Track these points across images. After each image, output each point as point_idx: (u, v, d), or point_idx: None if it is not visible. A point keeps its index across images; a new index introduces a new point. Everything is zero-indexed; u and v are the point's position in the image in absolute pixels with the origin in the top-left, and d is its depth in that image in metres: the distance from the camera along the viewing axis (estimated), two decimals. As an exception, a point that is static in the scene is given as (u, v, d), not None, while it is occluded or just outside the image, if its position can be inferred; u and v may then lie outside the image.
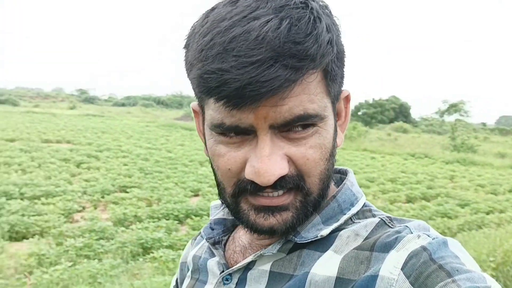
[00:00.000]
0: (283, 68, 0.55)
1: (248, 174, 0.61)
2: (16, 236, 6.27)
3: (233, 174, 0.64)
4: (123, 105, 77.01)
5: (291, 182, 0.63)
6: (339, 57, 0.64)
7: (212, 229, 0.82)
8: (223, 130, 0.61)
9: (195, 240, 0.91)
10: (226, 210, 0.82)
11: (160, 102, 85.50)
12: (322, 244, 0.67)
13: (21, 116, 32.26)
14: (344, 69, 0.68)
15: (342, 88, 0.70)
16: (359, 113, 55.29)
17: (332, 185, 0.74)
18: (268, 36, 0.55)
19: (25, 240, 6.03)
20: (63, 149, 15.24)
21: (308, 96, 0.59)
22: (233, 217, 0.80)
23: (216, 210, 0.84)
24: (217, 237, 0.81)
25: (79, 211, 7.76)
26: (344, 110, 0.73)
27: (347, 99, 0.73)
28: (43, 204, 7.71)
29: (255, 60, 0.54)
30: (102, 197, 8.65)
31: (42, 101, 68.87)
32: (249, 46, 0.55)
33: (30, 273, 4.94)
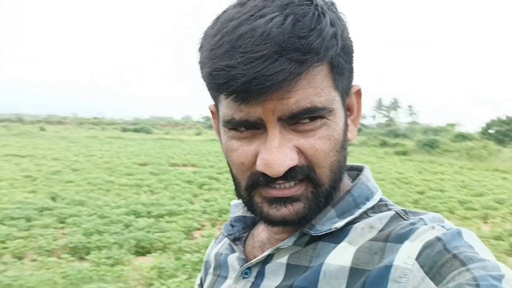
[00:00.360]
0: (288, 62, 0.57)
1: (259, 166, 0.63)
2: (142, 250, 6.78)
3: (246, 168, 0.66)
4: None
5: (302, 173, 0.64)
6: (346, 51, 0.66)
7: (233, 226, 0.84)
8: (234, 125, 0.64)
9: (217, 239, 0.94)
10: (246, 207, 0.86)
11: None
12: (337, 236, 0.69)
13: (153, 143, 34.99)
14: (353, 64, 0.69)
15: (353, 83, 0.71)
16: (490, 130, 51.16)
17: (348, 181, 0.76)
18: (272, 32, 0.57)
19: (148, 255, 6.52)
20: (188, 172, 16.19)
21: (315, 89, 0.61)
22: (252, 215, 0.82)
23: (236, 208, 0.87)
24: (237, 234, 0.83)
25: (198, 229, 8.18)
26: (356, 105, 0.74)
27: (359, 94, 0.74)
28: (166, 222, 8.26)
29: (261, 55, 0.57)
30: (220, 216, 9.01)
31: (172, 128, 74.07)
32: (255, 42, 0.58)
33: (150, 284, 5.33)
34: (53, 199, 10.12)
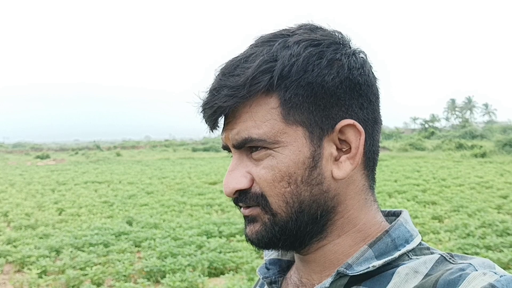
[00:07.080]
0: (221, 96, 0.66)
1: None
2: (215, 272, 6.83)
3: None
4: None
5: (253, 199, 0.69)
6: (304, 86, 0.65)
7: (268, 269, 0.82)
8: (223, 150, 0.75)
9: None
10: (281, 251, 0.83)
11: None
12: (379, 282, 0.65)
13: (222, 161, 35.54)
14: (331, 100, 0.67)
15: (341, 119, 0.68)
16: None
17: (385, 223, 0.73)
18: (223, 69, 0.68)
19: (221, 276, 6.53)
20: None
21: (254, 122, 0.66)
22: (287, 258, 0.82)
23: (270, 251, 0.84)
24: (273, 277, 0.80)
25: (270, 247, 8.12)
26: (354, 142, 0.68)
27: (358, 131, 0.68)
28: (238, 241, 8.29)
29: (209, 90, 0.69)
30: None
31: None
32: (215, 79, 0.69)
33: (224, 307, 5.30)
34: (129, 223, 10.48)
